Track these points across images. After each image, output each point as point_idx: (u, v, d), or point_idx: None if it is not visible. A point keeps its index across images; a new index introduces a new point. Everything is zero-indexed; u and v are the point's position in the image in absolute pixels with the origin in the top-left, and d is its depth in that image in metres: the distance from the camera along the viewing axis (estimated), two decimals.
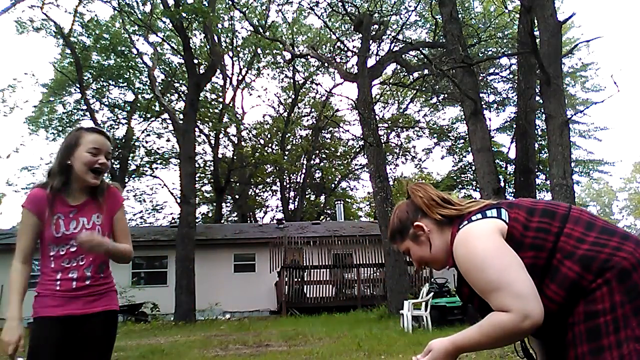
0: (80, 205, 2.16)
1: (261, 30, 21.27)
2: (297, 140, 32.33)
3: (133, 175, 28.82)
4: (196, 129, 21.92)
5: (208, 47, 19.84)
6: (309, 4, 18.60)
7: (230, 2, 20.20)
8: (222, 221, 30.18)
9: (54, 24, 20.85)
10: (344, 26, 21.23)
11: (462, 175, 28.35)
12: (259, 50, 25.52)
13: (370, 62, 16.11)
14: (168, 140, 28.07)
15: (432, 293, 9.86)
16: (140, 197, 30.22)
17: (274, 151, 30.49)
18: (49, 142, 27.00)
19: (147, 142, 28.36)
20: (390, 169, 29.67)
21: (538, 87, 12.42)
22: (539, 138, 18.76)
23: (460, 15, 16.10)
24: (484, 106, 17.07)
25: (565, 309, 1.32)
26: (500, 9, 18.52)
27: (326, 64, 22.28)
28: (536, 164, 15.59)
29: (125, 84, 26.33)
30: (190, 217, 16.77)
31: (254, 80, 30.11)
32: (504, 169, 24.15)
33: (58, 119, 26.50)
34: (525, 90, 13.63)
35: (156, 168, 29.62)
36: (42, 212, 2.09)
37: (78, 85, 23.11)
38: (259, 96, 41.54)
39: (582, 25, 45.48)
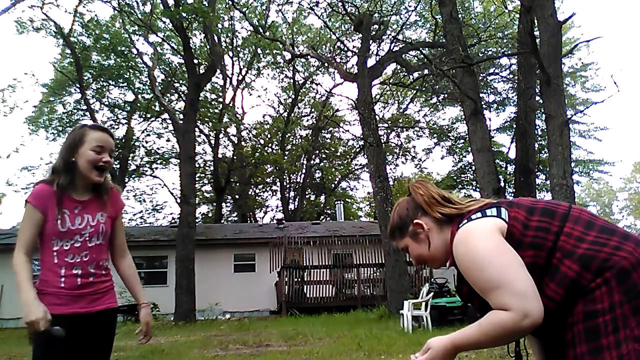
0: (85, 201, 2.18)
1: (261, 30, 21.28)
2: (297, 140, 32.34)
3: (133, 175, 28.81)
4: (196, 129, 21.91)
5: (208, 47, 19.84)
6: (309, 4, 18.62)
7: (230, 2, 20.21)
8: (222, 221, 30.18)
9: (54, 24, 20.86)
10: (344, 26, 21.23)
11: (462, 175, 28.36)
12: (259, 50, 25.52)
13: (370, 62, 16.13)
14: (168, 140, 28.12)
15: (432, 293, 9.86)
16: (140, 197, 30.25)
17: (274, 151, 30.48)
18: (49, 142, 27.07)
19: (147, 142, 28.40)
20: (390, 169, 29.71)
21: (538, 87, 12.42)
22: (539, 138, 18.75)
23: (460, 15, 16.10)
24: (484, 106, 17.06)
25: (565, 308, 1.32)
26: (500, 9, 18.53)
27: (326, 64, 22.28)
28: (536, 164, 15.59)
29: (125, 84, 26.33)
30: (190, 217, 16.77)
31: (254, 80, 30.16)
32: (504, 169, 24.16)
33: (58, 119, 26.50)
34: (525, 90, 13.63)
35: (156, 168, 29.64)
36: (47, 208, 2.09)
37: (78, 85, 23.11)
38: (259, 96, 41.63)
39: (582, 25, 45.53)
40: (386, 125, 28.78)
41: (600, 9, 65.98)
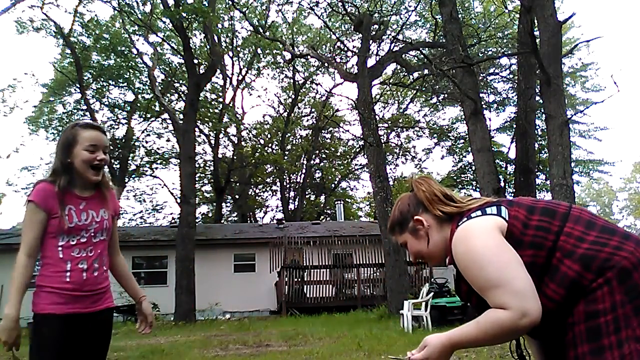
0: (88, 198, 2.20)
1: (261, 30, 21.27)
2: (297, 140, 32.33)
3: (133, 175, 28.82)
4: (196, 129, 21.91)
5: (208, 47, 19.83)
6: (309, 4, 18.61)
7: (230, 2, 20.20)
8: (222, 221, 30.18)
9: (54, 24, 20.86)
10: (344, 26, 21.23)
11: (462, 175, 28.37)
12: (259, 50, 25.53)
13: (370, 62, 16.12)
14: (168, 140, 28.12)
15: (432, 293, 9.86)
16: (140, 197, 30.27)
17: (274, 151, 30.48)
18: (49, 142, 26.99)
19: (147, 142, 28.41)
20: (390, 169, 29.70)
21: (538, 87, 12.42)
22: (539, 138, 18.76)
23: (460, 15, 16.10)
24: (484, 106, 17.05)
25: (565, 308, 1.31)
26: (500, 9, 18.53)
27: (326, 64, 22.28)
28: (536, 164, 15.59)
29: (125, 84, 26.34)
30: (190, 217, 16.77)
31: (254, 80, 30.16)
32: (504, 169, 24.16)
33: (58, 119, 26.50)
34: (525, 90, 13.63)
35: (156, 168, 29.64)
36: (50, 207, 2.09)
37: (78, 85, 23.12)
38: (259, 96, 41.60)
39: (582, 25, 45.57)
40: (386, 125, 28.78)
41: (600, 9, 66.04)
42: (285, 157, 29.62)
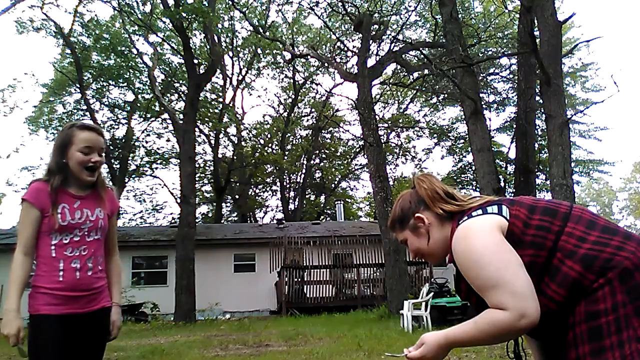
0: (84, 197, 2.21)
1: (261, 30, 21.27)
2: (297, 140, 32.32)
3: (133, 175, 28.82)
4: (196, 129, 21.91)
5: (208, 47, 19.83)
6: (309, 4, 18.61)
7: (230, 2, 20.19)
8: (222, 221, 30.18)
9: (54, 24, 20.87)
10: (344, 26, 21.23)
11: (462, 175, 28.37)
12: (259, 50, 25.52)
13: (370, 62, 16.12)
14: (168, 140, 28.12)
15: (432, 293, 9.86)
16: (140, 197, 30.28)
17: (274, 151, 30.48)
18: (49, 142, 26.98)
19: (147, 142, 28.41)
20: (390, 169, 29.71)
21: (538, 87, 12.42)
22: (539, 138, 18.75)
23: (460, 15, 16.10)
24: (484, 106, 17.06)
25: (566, 308, 1.31)
26: (500, 9, 18.52)
27: (326, 64, 22.27)
28: (536, 164, 15.57)
29: (125, 84, 26.34)
30: (190, 217, 16.76)
31: (254, 80, 30.17)
32: (504, 169, 24.16)
33: (58, 119, 26.49)
34: (525, 90, 13.63)
35: (156, 168, 29.64)
36: (43, 205, 2.10)
37: (78, 85, 23.12)
38: (259, 96, 41.62)
39: (582, 25, 45.51)
40: (386, 125, 28.77)
41: (600, 9, 66.03)
42: (285, 157, 29.62)
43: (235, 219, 32.39)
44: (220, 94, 28.86)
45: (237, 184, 31.40)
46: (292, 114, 30.86)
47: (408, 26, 21.87)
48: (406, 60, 18.36)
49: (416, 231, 1.55)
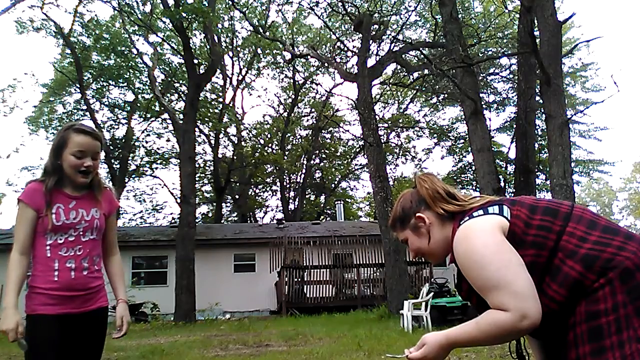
0: (79, 197, 2.21)
1: (261, 30, 21.27)
2: (297, 140, 32.34)
3: (133, 175, 28.81)
4: (196, 129, 21.90)
5: (208, 47, 19.82)
6: (309, 4, 18.61)
7: (230, 2, 20.19)
8: (222, 221, 30.18)
9: (54, 24, 20.85)
10: (344, 26, 21.23)
11: (462, 175, 28.37)
12: (259, 50, 25.53)
13: (370, 62, 16.11)
14: (168, 140, 28.11)
15: (432, 293, 9.86)
16: (140, 197, 30.27)
17: (274, 151, 30.48)
18: (49, 142, 26.94)
19: (147, 142, 28.39)
20: (390, 169, 29.72)
21: (538, 87, 12.41)
22: (539, 138, 18.75)
23: (460, 15, 16.11)
24: (484, 106, 17.05)
25: (567, 308, 1.31)
26: (500, 9, 18.52)
27: (326, 64, 22.27)
28: (536, 164, 15.57)
29: (125, 84, 26.33)
30: (190, 217, 16.75)
31: (254, 80, 30.19)
32: (504, 169, 24.16)
33: (58, 119, 26.49)
34: (525, 90, 13.62)
35: (156, 168, 29.63)
36: (39, 205, 2.11)
37: (78, 85, 23.11)
38: (259, 96, 41.64)
39: (582, 25, 45.50)
40: (386, 125, 28.78)
41: (600, 9, 66.03)
42: (285, 157, 29.62)
43: (235, 219, 32.39)
44: (220, 94, 28.87)
45: (237, 184, 31.40)
46: (292, 114, 30.86)
47: (408, 26, 21.90)
48: (406, 60, 18.36)
49: (417, 231, 1.55)
